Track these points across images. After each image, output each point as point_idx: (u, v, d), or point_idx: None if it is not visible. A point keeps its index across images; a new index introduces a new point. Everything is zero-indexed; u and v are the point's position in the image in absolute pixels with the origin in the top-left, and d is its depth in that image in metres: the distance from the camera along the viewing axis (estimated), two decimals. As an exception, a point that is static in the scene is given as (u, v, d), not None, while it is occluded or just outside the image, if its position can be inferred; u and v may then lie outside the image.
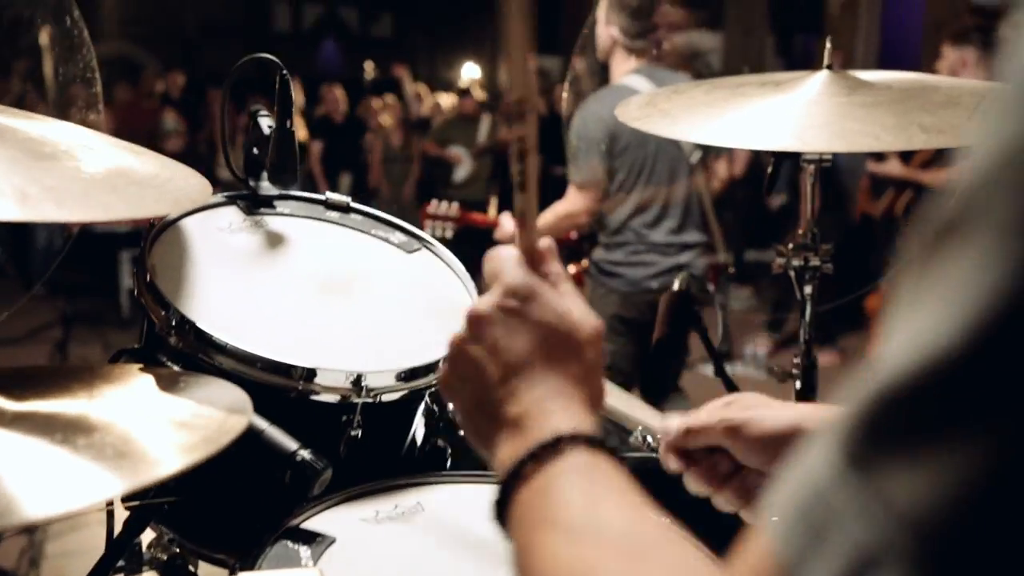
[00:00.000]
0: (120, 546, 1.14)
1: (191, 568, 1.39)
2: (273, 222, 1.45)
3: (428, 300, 1.42)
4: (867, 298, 5.42)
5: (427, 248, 1.52)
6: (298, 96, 8.72)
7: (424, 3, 14.69)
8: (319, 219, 1.51)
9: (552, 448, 0.63)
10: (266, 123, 1.44)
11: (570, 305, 0.71)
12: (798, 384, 1.79)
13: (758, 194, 6.91)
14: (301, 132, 8.43)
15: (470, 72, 10.33)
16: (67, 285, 6.58)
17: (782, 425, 0.85)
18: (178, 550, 1.37)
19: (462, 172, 9.01)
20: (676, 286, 2.06)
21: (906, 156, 4.20)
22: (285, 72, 1.39)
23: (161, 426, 0.81)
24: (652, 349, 1.72)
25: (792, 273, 1.74)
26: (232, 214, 1.43)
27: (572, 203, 3.28)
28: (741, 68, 10.72)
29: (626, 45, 3.31)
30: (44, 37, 3.30)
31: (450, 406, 1.44)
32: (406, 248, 1.50)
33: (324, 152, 8.97)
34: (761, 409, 0.87)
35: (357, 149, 9.15)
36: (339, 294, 1.36)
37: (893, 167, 4.29)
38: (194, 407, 0.87)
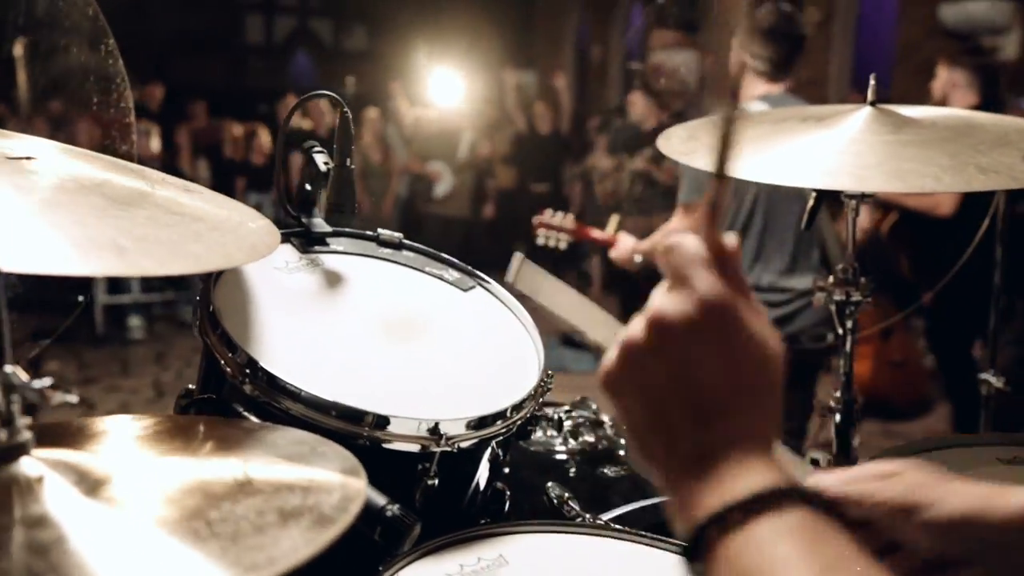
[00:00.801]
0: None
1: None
2: (328, 260, 1.42)
3: (489, 341, 1.40)
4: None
5: (481, 285, 1.50)
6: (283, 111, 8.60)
7: (398, 15, 14.66)
8: (372, 256, 1.48)
9: (767, 501, 0.59)
10: (321, 160, 1.41)
11: (761, 323, 0.65)
12: (838, 418, 1.79)
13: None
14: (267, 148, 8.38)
15: (448, 85, 10.31)
16: (38, 302, 6.43)
17: (968, 508, 0.78)
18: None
19: (442, 187, 8.99)
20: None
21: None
22: (347, 110, 1.36)
23: (281, 497, 0.78)
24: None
25: (833, 307, 1.74)
26: (287, 252, 1.40)
27: (677, 220, 3.27)
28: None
29: (757, 70, 3.29)
30: (18, 49, 3.23)
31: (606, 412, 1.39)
32: (461, 286, 1.48)
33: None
34: (941, 488, 0.80)
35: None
36: (402, 336, 1.33)
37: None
38: (310, 473, 0.84)
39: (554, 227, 3.62)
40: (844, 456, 1.79)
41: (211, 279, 1.26)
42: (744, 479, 0.61)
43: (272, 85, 13.51)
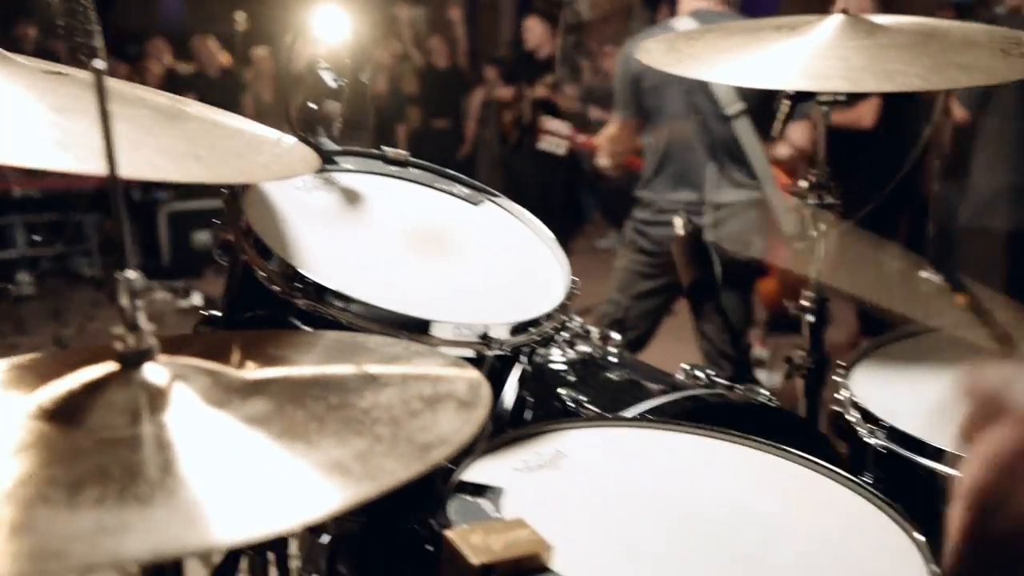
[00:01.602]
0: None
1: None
2: (342, 179, 1.40)
3: (512, 251, 1.42)
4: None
5: (490, 199, 1.51)
6: (165, 52, 8.14)
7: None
8: (381, 174, 1.47)
9: None
10: (330, 76, 1.38)
11: None
12: (811, 318, 1.89)
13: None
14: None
15: (337, 21, 9.93)
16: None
17: None
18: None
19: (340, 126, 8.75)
20: (680, 231, 2.13)
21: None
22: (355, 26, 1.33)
23: (415, 387, 0.79)
24: (689, 294, 1.78)
25: (807, 212, 1.83)
26: (300, 171, 1.38)
27: (611, 129, 3.36)
28: (607, 15, 10.84)
29: None
30: None
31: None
32: (472, 200, 1.49)
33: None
34: None
35: (231, 105, 8.70)
36: (429, 248, 1.34)
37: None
38: (423, 368, 0.85)
39: (555, 133, 3.71)
40: (818, 353, 1.89)
41: (235, 200, 1.23)
42: None
43: (144, 24, 12.76)
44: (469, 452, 1.12)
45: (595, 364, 1.76)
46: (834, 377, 1.46)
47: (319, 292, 1.14)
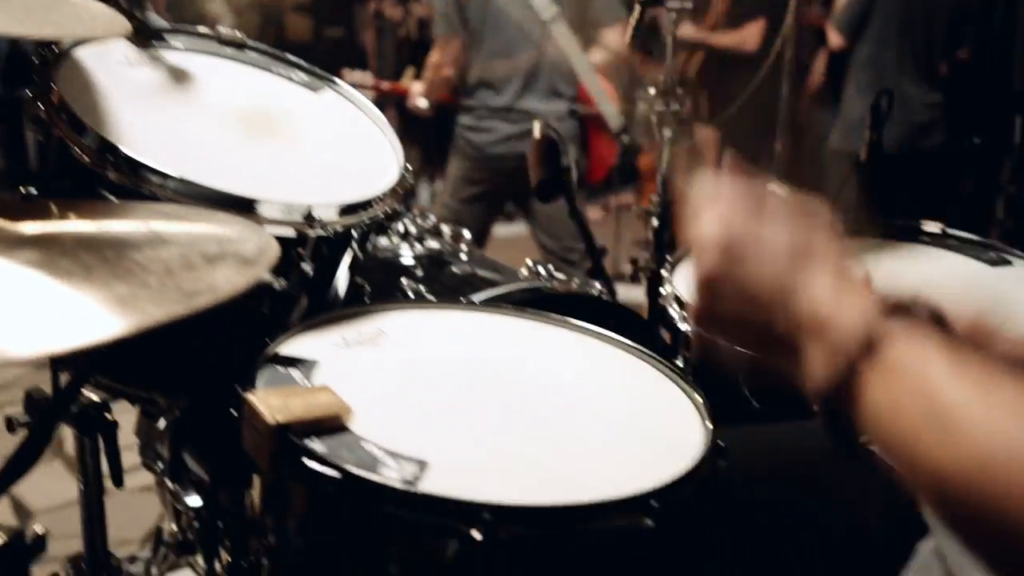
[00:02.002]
0: (68, 398, 1.10)
1: (108, 416, 1.35)
2: (170, 56, 1.37)
3: (347, 137, 1.42)
4: (640, 157, 5.83)
5: (331, 87, 1.50)
6: None
7: None
8: (215, 55, 1.43)
9: (902, 324, 0.65)
10: (156, -54, 1.33)
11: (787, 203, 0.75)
12: (655, 221, 1.97)
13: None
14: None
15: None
16: None
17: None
18: (92, 397, 1.33)
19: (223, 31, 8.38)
20: (536, 134, 2.15)
21: (698, 19, 4.49)
22: None
23: (199, 246, 0.80)
24: (536, 193, 1.82)
25: (654, 118, 1.89)
26: (124, 47, 1.33)
27: (434, 56, 3.40)
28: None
29: None
30: None
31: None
32: (311, 87, 1.48)
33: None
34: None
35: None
36: (260, 130, 1.33)
37: (685, 29, 4.57)
38: (216, 229, 0.85)
39: (355, 85, 3.65)
40: (660, 253, 1.98)
41: (44, 66, 1.18)
42: (857, 312, 0.67)
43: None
44: (287, 328, 1.14)
45: (442, 259, 1.79)
46: (661, 271, 1.53)
47: (133, 167, 1.12)
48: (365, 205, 1.28)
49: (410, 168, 1.38)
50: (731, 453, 0.99)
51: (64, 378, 1.10)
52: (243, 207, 1.15)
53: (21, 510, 2.78)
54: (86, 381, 1.10)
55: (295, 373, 1.05)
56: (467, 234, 1.88)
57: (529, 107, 3.32)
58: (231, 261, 0.77)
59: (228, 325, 1.13)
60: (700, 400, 1.07)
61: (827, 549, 1.04)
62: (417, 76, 3.72)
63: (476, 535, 0.82)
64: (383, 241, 1.80)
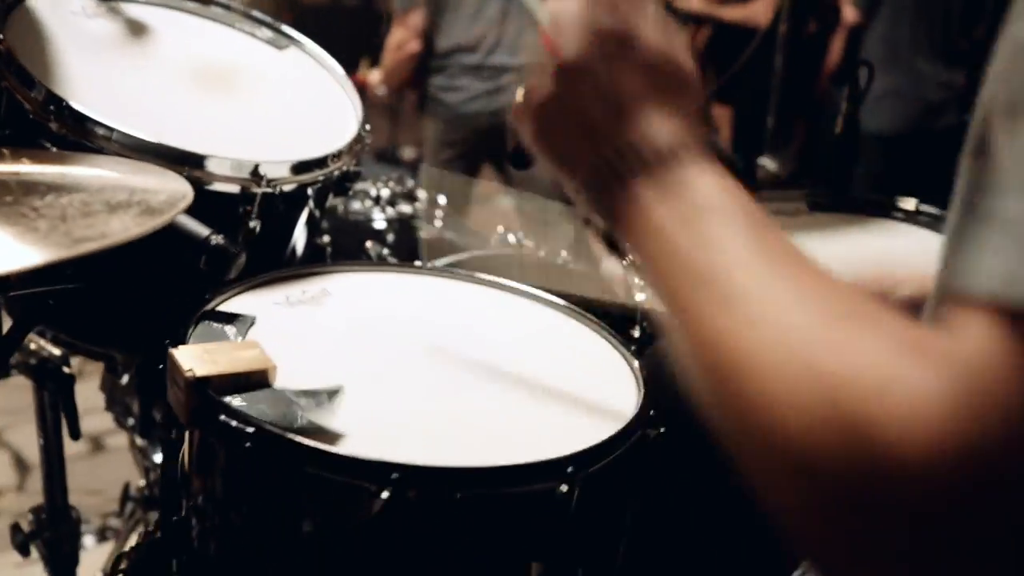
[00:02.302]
0: (12, 342, 1.10)
1: (66, 370, 1.36)
2: (129, 9, 1.35)
3: (307, 96, 1.40)
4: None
5: (296, 46, 1.48)
6: None
7: None
8: (177, 9, 1.42)
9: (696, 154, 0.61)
10: None
11: (672, 42, 0.67)
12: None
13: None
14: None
15: None
16: None
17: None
18: (53, 350, 1.33)
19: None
20: (518, 97, 2.14)
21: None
22: None
23: (107, 193, 0.79)
24: (511, 160, 1.80)
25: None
26: (83, -2, 1.32)
27: (397, 32, 3.32)
28: None
29: None
30: None
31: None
32: (276, 44, 1.46)
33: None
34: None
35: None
36: (216, 85, 1.31)
37: (692, 2, 4.49)
38: (134, 180, 0.85)
39: None
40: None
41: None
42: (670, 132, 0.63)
43: None
44: (227, 284, 1.13)
45: (414, 224, 1.78)
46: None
47: (78, 119, 1.11)
48: (318, 163, 1.26)
49: (368, 127, 1.36)
50: (670, 422, 0.98)
51: (6, 326, 1.10)
52: (187, 162, 1.14)
53: (21, 464, 2.83)
54: (26, 331, 1.10)
55: (229, 330, 1.04)
56: (443, 199, 1.86)
57: (500, 62, 3.28)
58: (134, 210, 0.76)
59: (161, 279, 1.13)
60: (637, 367, 1.05)
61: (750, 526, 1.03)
62: (373, 64, 3.60)
63: (384, 495, 0.82)
64: (356, 204, 1.79)
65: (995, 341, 0.42)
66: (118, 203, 0.76)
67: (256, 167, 1.18)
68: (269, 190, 1.19)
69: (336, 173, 1.30)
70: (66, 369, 1.36)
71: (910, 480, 0.41)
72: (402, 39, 3.33)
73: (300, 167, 1.24)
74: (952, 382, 0.42)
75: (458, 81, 3.31)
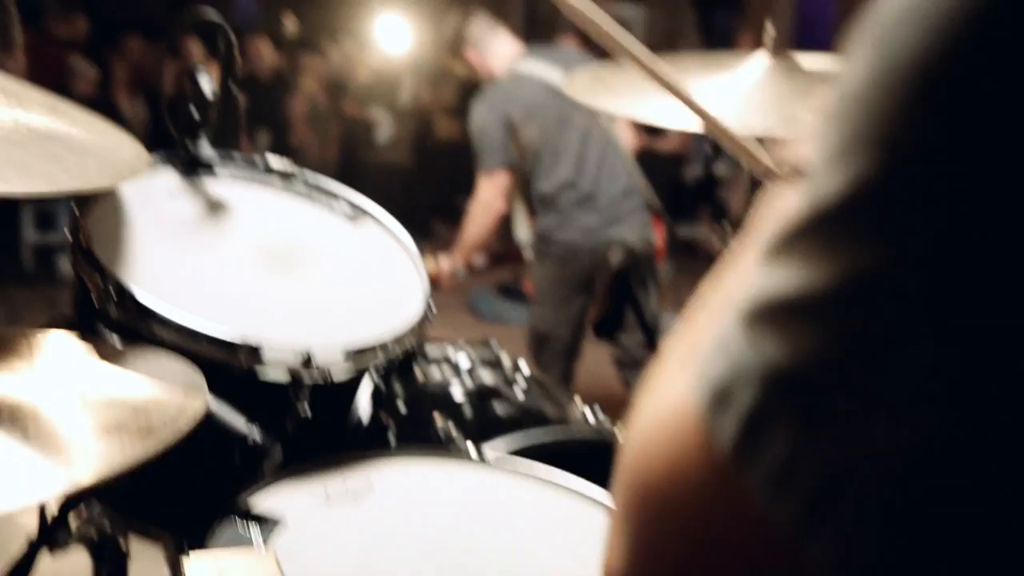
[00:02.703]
0: (49, 533, 1.09)
1: (122, 546, 1.34)
2: (213, 186, 1.40)
3: (374, 273, 1.39)
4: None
5: (371, 218, 1.49)
6: (196, 48, 8.27)
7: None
8: (259, 183, 1.46)
9: None
10: (206, 83, 1.38)
11: None
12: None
13: (672, 166, 7.06)
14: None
15: (393, 29, 10.13)
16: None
17: None
18: (109, 526, 1.32)
19: (384, 134, 8.87)
20: (613, 262, 2.09)
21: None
22: (230, 33, 1.33)
23: (114, 408, 0.77)
24: (595, 330, 1.74)
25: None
26: (170, 177, 1.37)
27: (482, 194, 3.32)
28: (662, 42, 10.81)
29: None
30: None
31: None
32: (351, 218, 1.47)
33: (245, 107, 8.66)
34: None
35: (279, 106, 8.87)
36: (283, 265, 1.32)
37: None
38: (147, 386, 0.83)
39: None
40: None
41: (82, 204, 1.23)
42: None
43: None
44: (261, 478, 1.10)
45: (494, 393, 1.72)
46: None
47: (136, 307, 1.13)
48: (376, 348, 1.23)
49: (434, 309, 1.33)
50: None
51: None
52: (239, 350, 1.13)
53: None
54: (73, 506, 1.08)
55: (255, 533, 1.00)
56: (524, 366, 1.80)
57: (611, 193, 3.29)
58: (130, 433, 0.73)
59: (191, 474, 1.10)
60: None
61: None
62: (433, 252, 3.41)
63: None
64: (435, 372, 1.75)
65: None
66: (116, 424, 0.74)
67: (308, 355, 1.16)
68: (320, 380, 1.17)
69: (397, 355, 1.27)
70: (122, 545, 1.34)
71: None
72: (489, 199, 3.30)
73: (356, 353, 1.21)
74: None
75: (570, 217, 3.31)
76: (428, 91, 9.29)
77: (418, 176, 9.09)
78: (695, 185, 6.42)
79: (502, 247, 3.81)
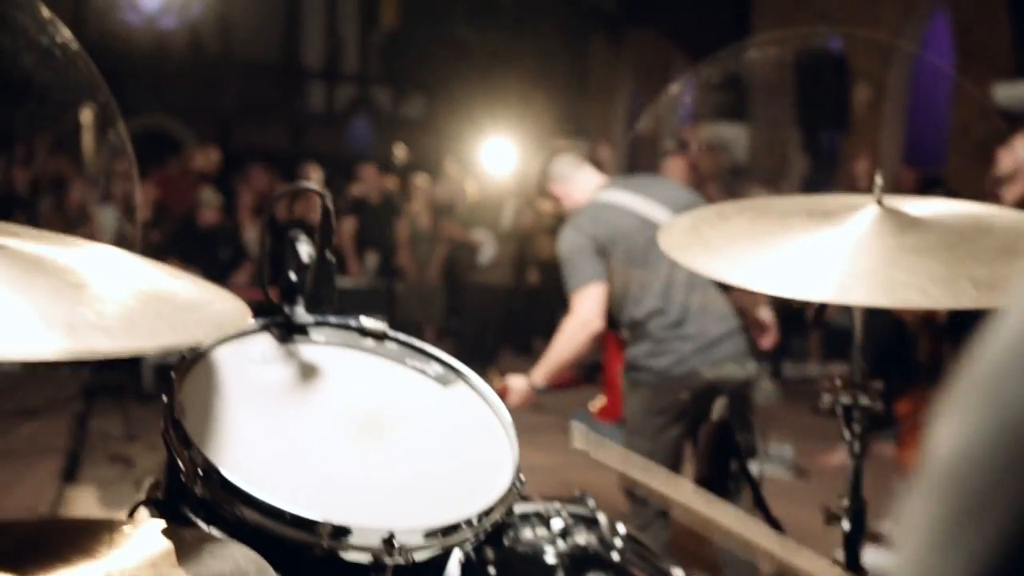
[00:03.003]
0: None
1: None
2: (307, 351, 1.41)
3: (464, 441, 1.36)
4: (897, 401, 5.32)
5: (463, 380, 1.47)
6: (316, 175, 8.62)
7: (454, 83, 14.99)
8: (354, 347, 1.46)
9: None
10: (304, 250, 1.41)
11: None
12: (846, 525, 1.69)
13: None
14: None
15: (499, 152, 10.45)
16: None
17: None
18: None
19: (487, 255, 9.02)
20: (715, 416, 2.00)
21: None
22: (328, 202, 1.36)
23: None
24: (699, 482, 1.65)
25: (840, 410, 1.67)
26: (266, 342, 1.39)
27: (581, 308, 3.23)
28: (765, 161, 10.76)
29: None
30: (86, 115, 3.36)
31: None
32: (442, 381, 1.45)
33: (356, 231, 9.04)
34: None
35: (388, 229, 9.19)
36: (371, 436, 1.30)
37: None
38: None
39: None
40: (853, 568, 1.69)
41: (178, 372, 1.25)
42: None
43: (330, 151, 13.86)
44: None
45: (589, 557, 1.64)
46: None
47: (221, 486, 1.12)
48: (460, 525, 1.19)
49: (523, 480, 1.29)
50: None
51: None
52: (322, 532, 1.11)
53: None
54: None
55: None
56: (621, 528, 1.72)
57: (698, 321, 3.21)
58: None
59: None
60: None
61: None
62: (502, 373, 3.34)
63: None
64: (527, 533, 1.69)
65: None
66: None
67: (390, 536, 1.12)
68: (402, 561, 1.13)
69: (485, 530, 1.22)
70: None
71: None
72: (586, 316, 3.20)
73: (440, 532, 1.17)
74: None
75: (661, 345, 3.23)
76: (530, 213, 9.45)
77: (519, 296, 9.18)
78: (802, 320, 6.22)
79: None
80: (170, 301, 1.10)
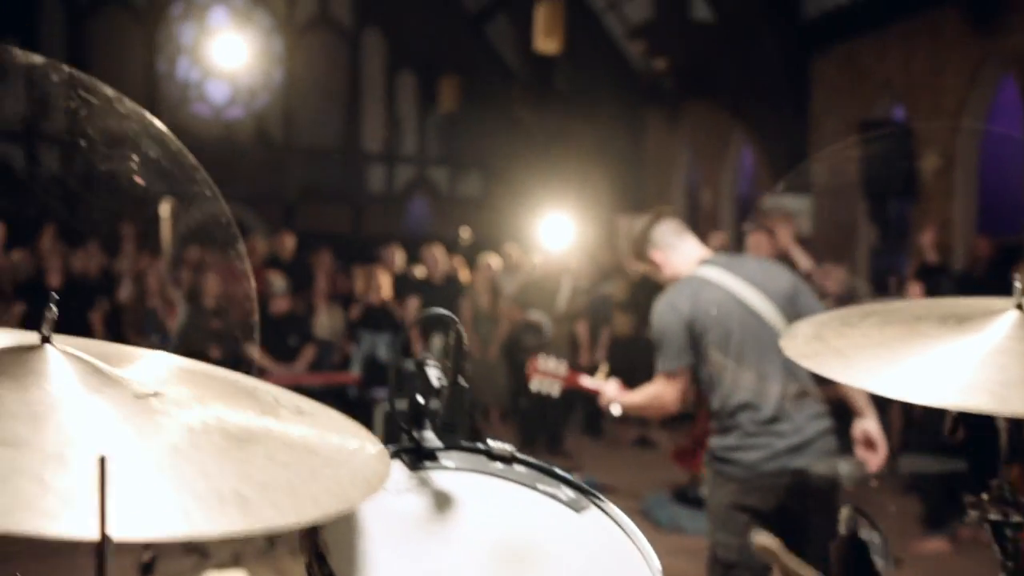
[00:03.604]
0: None
1: None
2: (438, 478, 1.37)
3: (600, 571, 1.30)
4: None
5: (596, 504, 1.42)
6: (399, 256, 8.75)
7: (512, 162, 15.21)
8: (483, 472, 1.43)
9: None
10: (434, 375, 1.39)
11: None
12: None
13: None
14: (387, 292, 8.55)
15: (560, 230, 10.49)
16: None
17: None
18: None
19: (547, 336, 8.98)
20: (842, 529, 1.91)
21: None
22: (461, 328, 1.35)
23: None
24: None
25: (988, 527, 1.57)
26: (397, 470, 1.36)
27: (659, 389, 3.30)
28: (832, 232, 10.60)
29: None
30: (164, 208, 3.45)
31: None
32: (575, 506, 1.40)
33: (420, 311, 9.10)
34: None
35: (452, 309, 9.21)
36: (513, 568, 1.26)
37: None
38: None
39: (548, 374, 3.76)
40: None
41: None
42: None
43: (389, 230, 14.09)
44: None
45: None
46: None
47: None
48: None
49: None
50: None
51: None
52: None
53: None
54: None
55: None
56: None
57: (792, 416, 3.13)
58: None
59: None
60: None
61: None
62: (609, 375, 3.63)
63: None
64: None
65: None
66: None
67: None
68: None
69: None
70: None
71: None
72: (665, 399, 3.28)
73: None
74: None
75: (756, 439, 3.14)
76: (584, 297, 9.36)
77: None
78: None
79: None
80: (316, 452, 1.08)
